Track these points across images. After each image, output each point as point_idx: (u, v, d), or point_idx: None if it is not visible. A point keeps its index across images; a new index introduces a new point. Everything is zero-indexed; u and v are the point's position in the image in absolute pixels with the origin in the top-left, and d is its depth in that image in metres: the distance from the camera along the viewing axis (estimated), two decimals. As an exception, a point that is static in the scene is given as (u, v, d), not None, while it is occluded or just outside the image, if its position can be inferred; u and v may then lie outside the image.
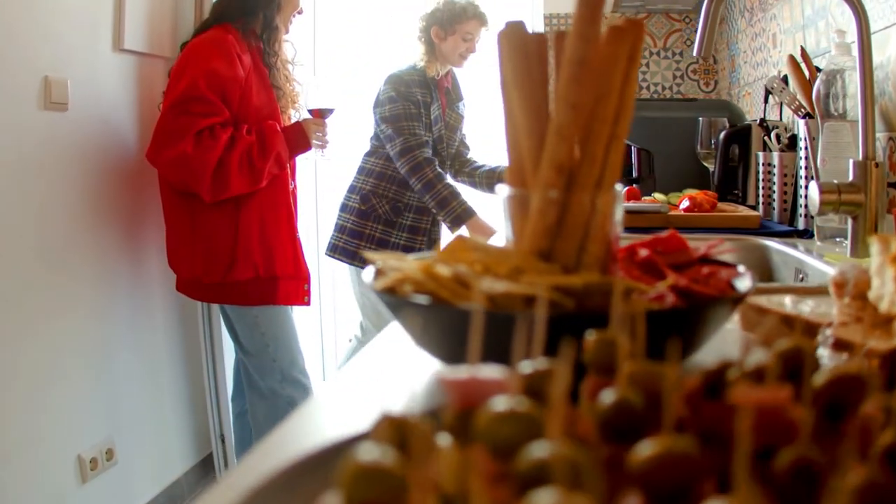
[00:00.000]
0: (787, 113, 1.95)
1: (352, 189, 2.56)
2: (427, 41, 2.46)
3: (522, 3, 3.14)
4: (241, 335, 2.11)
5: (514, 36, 0.51)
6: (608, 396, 0.32)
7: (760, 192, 1.73)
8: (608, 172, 0.53)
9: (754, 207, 1.77)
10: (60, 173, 1.91)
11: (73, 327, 1.96)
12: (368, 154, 2.56)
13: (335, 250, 2.54)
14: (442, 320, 0.45)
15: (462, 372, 0.32)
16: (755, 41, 2.39)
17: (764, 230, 1.50)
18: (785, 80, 1.70)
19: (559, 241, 0.52)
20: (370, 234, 2.48)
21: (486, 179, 2.60)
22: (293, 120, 2.12)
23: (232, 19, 1.96)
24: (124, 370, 2.16)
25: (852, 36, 1.41)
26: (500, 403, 0.28)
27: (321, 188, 3.24)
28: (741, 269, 0.59)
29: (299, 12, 2.06)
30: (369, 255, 0.55)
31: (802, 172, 1.48)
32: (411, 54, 2.51)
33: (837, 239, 1.33)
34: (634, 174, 2.03)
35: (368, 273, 0.55)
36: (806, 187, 1.47)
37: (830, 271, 1.10)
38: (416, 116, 2.39)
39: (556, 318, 0.35)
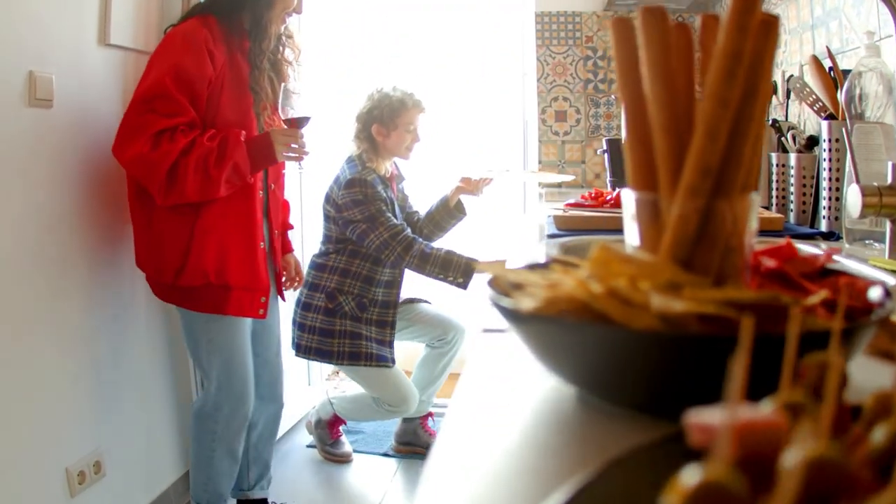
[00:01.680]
0: (793, 113, 1.94)
1: (313, 287, 2.48)
2: (367, 139, 2.44)
3: (514, 1, 3.11)
4: (187, 339, 2.04)
5: (656, 24, 0.47)
6: (881, 433, 0.27)
7: (774, 193, 1.71)
8: (751, 176, 0.49)
9: (767, 208, 1.75)
10: (45, 171, 1.82)
11: (59, 335, 1.87)
12: (329, 252, 2.50)
13: (309, 352, 2.47)
14: (618, 346, 0.40)
15: (719, 414, 0.27)
16: (754, 42, 2.38)
17: (788, 232, 1.47)
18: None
19: (700, 251, 0.48)
20: (341, 330, 2.45)
21: (429, 224, 2.63)
22: (276, 124, 2.01)
23: (217, 11, 1.88)
24: (110, 381, 2.07)
25: (877, 36, 1.40)
26: (803, 450, 0.24)
27: (305, 191, 3.16)
28: (868, 275, 0.55)
29: (296, 11, 1.96)
30: (482, 265, 0.50)
31: (825, 174, 1.46)
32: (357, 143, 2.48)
33: (867, 242, 1.31)
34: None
35: (489, 292, 0.50)
36: (830, 189, 1.45)
37: (876, 275, 1.08)
38: (386, 210, 2.40)
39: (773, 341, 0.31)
